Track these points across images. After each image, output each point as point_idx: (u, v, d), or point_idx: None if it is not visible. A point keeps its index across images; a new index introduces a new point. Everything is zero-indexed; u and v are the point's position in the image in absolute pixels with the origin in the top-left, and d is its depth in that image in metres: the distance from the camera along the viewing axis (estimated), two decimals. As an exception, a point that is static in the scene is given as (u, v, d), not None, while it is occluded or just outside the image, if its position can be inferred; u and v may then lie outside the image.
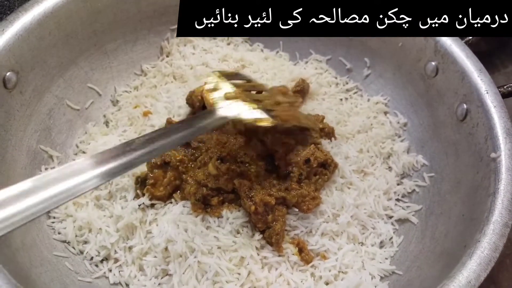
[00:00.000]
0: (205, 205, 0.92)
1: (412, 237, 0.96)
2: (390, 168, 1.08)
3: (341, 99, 1.20)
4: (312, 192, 0.95)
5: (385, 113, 1.16)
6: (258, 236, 0.90)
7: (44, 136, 1.04)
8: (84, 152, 1.08)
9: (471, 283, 0.68)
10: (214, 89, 0.91)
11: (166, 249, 0.90)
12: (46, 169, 1.01)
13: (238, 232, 0.92)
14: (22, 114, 0.99)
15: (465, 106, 0.95)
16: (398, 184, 1.05)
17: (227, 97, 0.88)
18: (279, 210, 0.90)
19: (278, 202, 0.90)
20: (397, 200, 1.03)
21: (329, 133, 1.06)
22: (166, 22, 1.24)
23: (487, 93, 0.91)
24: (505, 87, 0.93)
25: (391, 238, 0.97)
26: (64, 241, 0.94)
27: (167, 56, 1.25)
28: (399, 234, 0.98)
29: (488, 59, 0.95)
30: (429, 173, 1.03)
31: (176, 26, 1.25)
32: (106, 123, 1.15)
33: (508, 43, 1.27)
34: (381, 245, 0.97)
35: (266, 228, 0.89)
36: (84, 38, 1.11)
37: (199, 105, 1.06)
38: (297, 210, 0.93)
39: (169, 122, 1.04)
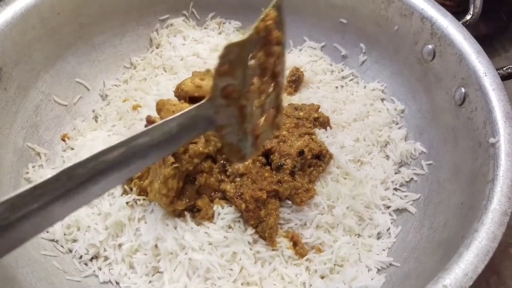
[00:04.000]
0: (192, 211, 0.90)
1: (410, 227, 0.93)
2: (387, 157, 1.04)
3: (336, 87, 1.16)
4: (306, 184, 0.91)
5: (382, 100, 1.13)
6: (250, 230, 0.87)
7: (31, 133, 1.02)
8: (72, 149, 1.05)
9: (468, 275, 0.64)
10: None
11: (156, 246, 0.88)
12: (33, 167, 0.99)
13: (230, 227, 0.89)
14: (8, 111, 0.97)
15: (463, 90, 0.91)
16: (395, 173, 1.02)
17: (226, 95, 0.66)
18: (272, 204, 0.87)
19: (271, 195, 0.87)
20: (395, 189, 1.00)
21: (324, 123, 1.03)
22: (155, 12, 1.21)
23: (485, 75, 0.87)
24: (504, 69, 0.88)
25: (389, 228, 0.94)
26: (52, 240, 0.92)
27: (157, 48, 1.22)
28: (396, 225, 0.95)
29: (488, 42, 0.90)
30: (427, 160, 0.99)
31: (165, 17, 1.22)
32: (95, 118, 1.13)
33: (508, 27, 1.23)
34: (378, 236, 0.94)
35: (259, 223, 0.86)
36: (70, 32, 1.09)
37: (186, 97, 1.03)
38: (290, 202, 0.90)
39: (149, 121, 0.99)
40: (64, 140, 1.07)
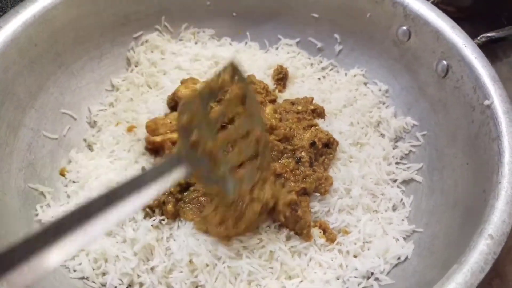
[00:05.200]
0: None
1: (421, 194, 1.00)
2: (382, 135, 1.11)
3: (319, 78, 1.22)
4: (323, 173, 0.96)
5: (365, 84, 1.20)
6: (284, 230, 0.90)
7: (30, 173, 0.97)
8: (74, 182, 1.01)
9: (505, 222, 0.72)
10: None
11: (190, 261, 0.87)
12: (41, 207, 0.94)
13: (260, 233, 0.91)
14: (2, 154, 0.92)
15: (445, 62, 1.00)
16: (394, 149, 1.09)
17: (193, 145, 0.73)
18: (304, 201, 0.90)
19: (300, 194, 0.90)
20: (397, 163, 1.07)
21: (321, 113, 1.07)
22: (129, 31, 1.19)
23: (465, 46, 0.96)
24: (478, 38, 0.98)
25: (402, 200, 1.01)
26: (82, 278, 0.88)
27: (136, 66, 1.19)
28: (408, 195, 1.01)
29: (489, 48, 0.96)
30: (421, 132, 1.07)
31: (139, 34, 1.20)
32: (89, 147, 1.09)
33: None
34: (394, 208, 1.00)
35: (296, 223, 0.89)
36: (49, 62, 1.04)
37: None
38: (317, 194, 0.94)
39: (150, 142, 1.00)
40: (63, 175, 1.02)
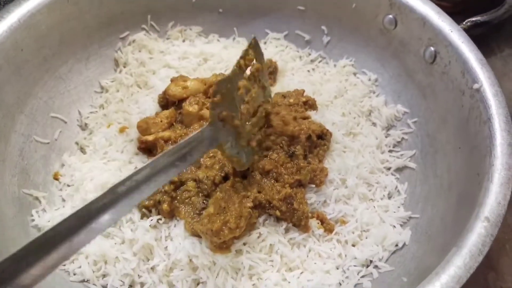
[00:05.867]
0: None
1: (415, 181, 1.01)
2: (374, 124, 1.12)
3: (308, 71, 1.22)
4: (317, 164, 0.96)
5: (354, 74, 1.20)
6: (283, 223, 0.91)
7: (23, 179, 0.96)
8: (69, 185, 1.00)
9: (500, 204, 0.73)
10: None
11: (191, 260, 0.87)
12: (37, 212, 0.93)
13: (259, 227, 0.91)
14: (-6, 162, 0.91)
15: (432, 48, 1.01)
16: (386, 137, 1.10)
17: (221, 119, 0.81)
18: (300, 193, 0.90)
19: (294, 185, 0.91)
20: (390, 151, 1.08)
21: (313, 105, 1.08)
22: (115, 31, 1.18)
23: (451, 32, 0.97)
24: (464, 23, 0.99)
25: (396, 187, 1.02)
26: (82, 281, 0.88)
27: (124, 67, 1.18)
28: (402, 182, 1.02)
29: (484, 42, 0.96)
30: (412, 119, 1.09)
31: (125, 34, 1.20)
32: (82, 150, 1.08)
33: (504, 26, 1.27)
34: (389, 196, 1.01)
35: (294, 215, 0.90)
36: (36, 66, 1.03)
37: (175, 102, 1.05)
38: (312, 186, 0.94)
39: (142, 142, 1.00)
40: (57, 179, 1.01)
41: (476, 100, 0.89)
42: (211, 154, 0.95)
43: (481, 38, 1.01)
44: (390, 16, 1.09)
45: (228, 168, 0.92)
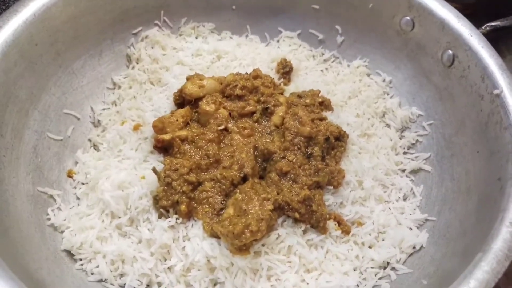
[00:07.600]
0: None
1: (431, 183, 1.02)
2: (388, 125, 1.12)
3: (321, 70, 1.22)
4: (335, 166, 0.96)
5: (368, 75, 1.20)
6: (301, 224, 0.90)
7: (38, 177, 0.95)
8: (83, 183, 0.99)
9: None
10: None
11: (208, 261, 0.87)
12: (52, 210, 0.92)
13: (277, 229, 0.90)
14: (10, 159, 0.89)
15: (450, 52, 1.01)
16: (400, 139, 1.10)
17: None
18: (318, 195, 0.90)
19: (312, 187, 0.91)
20: (405, 153, 1.08)
21: (328, 105, 1.07)
22: (128, 27, 1.17)
23: (471, 36, 0.97)
24: (483, 27, 0.99)
25: (411, 189, 1.02)
26: (100, 280, 0.87)
27: (137, 63, 1.17)
28: (417, 184, 1.03)
29: (494, 45, 0.96)
30: (427, 121, 1.09)
31: (138, 29, 1.18)
32: (95, 147, 1.06)
33: None
34: (405, 197, 1.02)
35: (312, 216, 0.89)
36: (49, 62, 1.01)
37: (191, 100, 1.03)
38: (329, 188, 0.94)
39: (159, 141, 0.97)
40: (71, 177, 1.00)
41: (496, 105, 0.89)
42: (229, 154, 0.94)
43: (490, 40, 1.01)
44: (408, 17, 1.09)
45: (247, 169, 0.91)
